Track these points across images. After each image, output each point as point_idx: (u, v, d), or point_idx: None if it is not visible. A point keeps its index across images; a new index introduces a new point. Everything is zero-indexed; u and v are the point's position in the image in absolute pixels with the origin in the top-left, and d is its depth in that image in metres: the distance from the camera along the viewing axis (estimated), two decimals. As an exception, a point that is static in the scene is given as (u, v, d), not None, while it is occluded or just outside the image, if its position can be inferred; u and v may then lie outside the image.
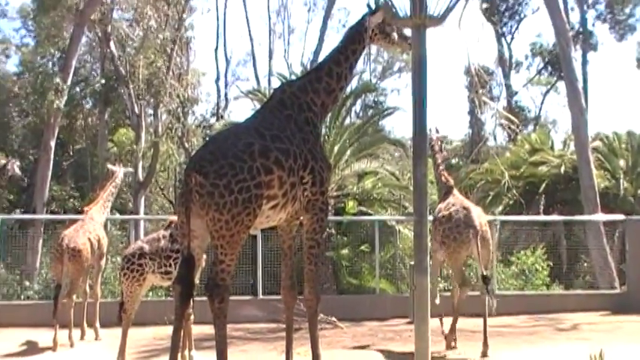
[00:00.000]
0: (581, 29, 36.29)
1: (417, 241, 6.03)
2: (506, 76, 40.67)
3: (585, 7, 36.56)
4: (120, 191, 17.23)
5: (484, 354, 10.27)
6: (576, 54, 30.42)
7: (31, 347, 11.69)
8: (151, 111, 30.73)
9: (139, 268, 9.33)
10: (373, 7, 7.89)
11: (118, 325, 9.62)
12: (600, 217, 18.49)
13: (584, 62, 35.50)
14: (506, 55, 40.83)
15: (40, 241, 19.46)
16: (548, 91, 42.05)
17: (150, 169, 28.59)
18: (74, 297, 11.85)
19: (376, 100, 38.66)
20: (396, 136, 31.81)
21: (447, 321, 11.05)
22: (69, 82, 23.05)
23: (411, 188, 6.59)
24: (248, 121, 7.97)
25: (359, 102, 30.39)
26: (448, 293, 12.33)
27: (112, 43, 28.47)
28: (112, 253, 16.44)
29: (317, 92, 7.82)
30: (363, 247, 17.09)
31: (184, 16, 30.50)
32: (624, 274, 17.29)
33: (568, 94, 20.87)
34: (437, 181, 11.93)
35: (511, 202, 23.53)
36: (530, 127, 38.65)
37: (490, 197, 24.10)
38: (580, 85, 22.35)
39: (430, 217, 9.52)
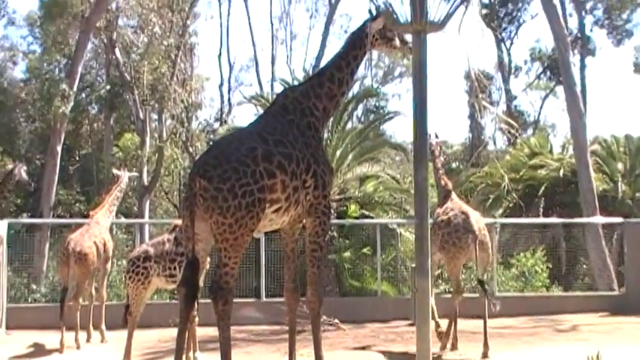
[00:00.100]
0: (579, 34, 36.25)
1: (418, 243, 6.03)
2: (506, 80, 40.65)
3: (583, 13, 36.55)
4: (125, 195, 17.28)
5: (485, 355, 10.26)
6: (575, 59, 30.43)
7: (39, 349, 11.70)
8: (155, 116, 30.75)
9: (144, 271, 9.34)
10: (374, 13, 7.90)
11: (124, 328, 9.64)
12: (599, 219, 18.46)
13: (583, 67, 35.48)
14: (506, 60, 40.83)
15: (47, 244, 19.47)
16: (547, 96, 42.06)
17: (154, 174, 28.62)
18: (80, 300, 11.86)
19: (377, 104, 38.59)
20: (397, 140, 31.78)
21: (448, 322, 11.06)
22: (75, 88, 23.06)
23: (412, 192, 6.59)
24: (251, 126, 7.98)
25: (360, 107, 30.32)
26: (449, 295, 12.32)
27: (117, 50, 28.54)
28: (117, 257, 16.46)
29: (319, 97, 7.82)
30: (364, 250, 17.09)
31: (188, 22, 30.54)
32: (623, 276, 17.26)
33: (567, 98, 20.85)
34: (437, 184, 11.93)
35: (511, 205, 23.49)
36: (530, 131, 38.60)
37: (490, 200, 24.07)
38: (578, 89, 22.33)
39: (430, 221, 9.52)
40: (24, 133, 33.22)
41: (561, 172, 23.53)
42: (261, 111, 17.99)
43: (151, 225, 24.05)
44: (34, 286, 17.00)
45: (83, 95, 31.70)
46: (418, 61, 5.98)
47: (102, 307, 12.49)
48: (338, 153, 18.70)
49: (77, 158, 34.37)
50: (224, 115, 36.86)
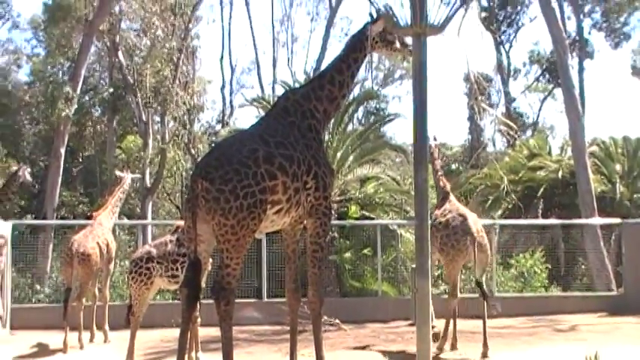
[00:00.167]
0: (577, 37, 36.25)
1: (419, 244, 6.02)
2: (505, 83, 40.63)
3: (582, 16, 36.52)
4: (128, 197, 17.26)
5: (484, 355, 10.25)
6: (573, 61, 30.36)
7: (42, 349, 11.69)
8: (158, 118, 30.78)
9: (146, 271, 9.33)
10: (374, 16, 7.89)
11: (127, 328, 9.63)
12: (597, 220, 18.45)
13: (581, 69, 35.45)
14: (505, 62, 40.82)
15: (51, 245, 19.47)
16: (545, 98, 42.04)
17: (157, 175, 28.62)
18: (84, 300, 11.86)
19: (378, 107, 38.60)
20: (398, 142, 31.79)
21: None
22: (78, 90, 23.11)
23: (412, 193, 6.59)
24: (253, 128, 7.98)
25: (361, 109, 30.35)
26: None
27: (120, 53, 28.55)
28: (120, 257, 16.45)
29: (320, 100, 7.82)
30: (365, 251, 17.08)
31: (190, 26, 30.56)
32: (621, 277, 17.25)
33: (565, 100, 20.85)
34: (436, 186, 11.93)
35: (510, 206, 23.49)
36: (529, 133, 38.60)
37: (489, 201, 24.08)
38: (577, 91, 22.32)
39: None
40: (28, 136, 33.27)
41: (560, 174, 23.52)
42: (262, 113, 18.03)
43: (153, 226, 24.10)
44: (38, 287, 17.01)
45: (86, 98, 31.76)
46: (418, 64, 5.98)
47: (105, 308, 12.49)
48: (339, 155, 18.70)
49: (80, 160, 34.39)
50: (226, 117, 36.90)
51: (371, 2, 7.04)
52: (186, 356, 7.53)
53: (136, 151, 29.56)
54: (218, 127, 35.27)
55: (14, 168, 21.62)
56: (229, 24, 37.83)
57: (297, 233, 7.93)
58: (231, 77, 38.44)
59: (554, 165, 24.37)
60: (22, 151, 32.32)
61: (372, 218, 17.95)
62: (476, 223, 10.72)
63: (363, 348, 11.63)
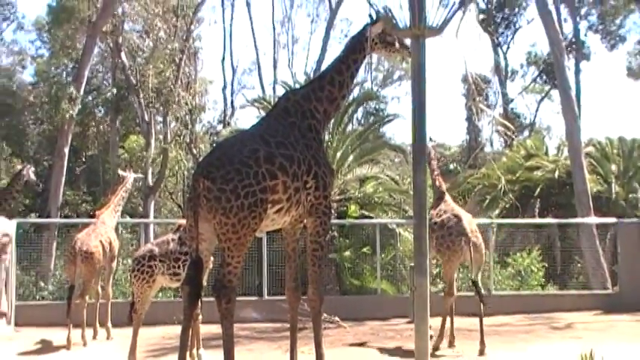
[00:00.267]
0: (574, 39, 36.27)
1: (417, 243, 6.02)
2: (503, 84, 40.64)
3: (578, 19, 36.54)
4: (130, 196, 17.26)
5: (481, 352, 10.27)
6: (569, 63, 30.44)
7: (46, 346, 11.70)
8: (160, 118, 30.78)
9: (148, 269, 9.32)
10: (374, 17, 7.88)
11: (129, 325, 9.62)
12: (593, 220, 18.46)
13: (577, 71, 35.49)
14: (503, 63, 40.82)
15: (54, 243, 19.48)
16: (542, 99, 42.03)
17: (159, 175, 28.61)
18: (87, 298, 11.85)
19: (377, 107, 38.59)
20: (397, 142, 31.76)
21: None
22: (82, 91, 23.10)
23: (411, 192, 6.59)
24: (253, 129, 7.97)
25: (360, 109, 30.35)
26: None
27: (122, 54, 28.54)
28: (122, 256, 16.46)
29: (320, 100, 7.81)
30: (364, 250, 17.08)
31: (192, 27, 30.56)
32: (616, 275, 17.25)
33: (562, 101, 20.85)
34: (432, 186, 11.93)
35: (507, 206, 23.48)
36: (526, 134, 38.59)
37: (487, 201, 24.07)
38: (573, 92, 22.32)
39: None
40: (32, 135, 33.28)
41: (556, 174, 23.52)
42: (263, 113, 18.02)
43: (155, 225, 24.08)
44: (42, 284, 17.02)
45: (90, 98, 31.74)
46: (417, 65, 5.98)
47: (108, 305, 12.49)
48: (338, 155, 18.69)
49: (84, 160, 34.40)
50: (227, 118, 36.90)
51: (370, 4, 7.05)
52: (187, 353, 7.52)
53: (139, 151, 29.53)
54: (219, 127, 35.28)
55: (19, 167, 21.66)
56: (230, 25, 37.89)
57: (298, 232, 7.92)
58: (233, 78, 38.48)
59: (551, 165, 24.36)
60: (27, 151, 32.33)
61: (372, 217, 17.94)
62: (470, 223, 10.76)
63: (361, 345, 11.64)
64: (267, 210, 6.89)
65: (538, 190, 23.44)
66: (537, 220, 21.12)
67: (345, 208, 17.98)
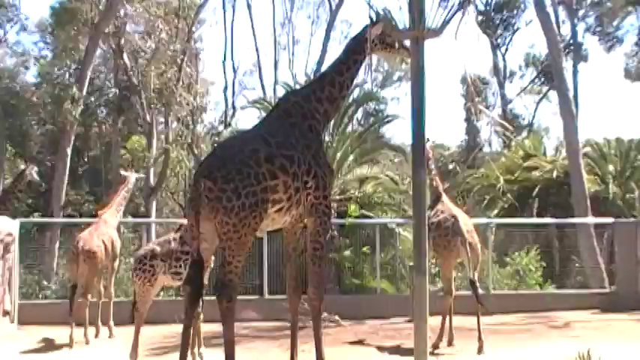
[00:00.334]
0: (572, 41, 36.25)
1: (416, 243, 6.02)
2: (501, 85, 40.61)
3: (576, 20, 36.48)
4: (132, 196, 17.24)
5: (480, 349, 10.30)
6: (567, 64, 30.36)
7: (49, 344, 11.69)
8: (161, 119, 30.75)
9: (150, 269, 9.32)
10: (374, 19, 7.87)
11: (131, 324, 9.62)
12: (590, 219, 18.45)
13: (575, 72, 35.43)
14: (501, 65, 40.77)
15: (57, 243, 19.47)
16: (540, 100, 41.96)
17: (161, 175, 28.59)
18: (89, 296, 11.84)
19: (377, 108, 38.58)
20: (396, 142, 31.74)
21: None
22: (84, 92, 23.09)
23: (410, 192, 6.59)
24: (254, 129, 7.99)
25: (360, 110, 30.25)
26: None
27: (124, 55, 28.53)
28: (124, 255, 16.44)
29: (320, 101, 7.81)
30: (364, 249, 17.04)
31: (194, 29, 30.53)
32: (613, 274, 17.25)
33: (560, 102, 20.83)
34: (430, 186, 11.93)
35: (506, 206, 23.50)
36: (524, 134, 38.51)
37: (486, 201, 24.09)
38: (571, 93, 22.33)
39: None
40: (35, 136, 33.25)
41: (554, 174, 23.51)
42: (263, 114, 18.01)
43: (157, 224, 24.05)
44: (45, 283, 16.99)
45: (92, 99, 31.73)
46: (416, 66, 5.98)
47: (110, 304, 12.49)
48: (338, 155, 18.68)
49: (86, 160, 34.39)
50: (228, 118, 36.77)
51: (370, 6, 7.05)
52: (188, 352, 7.52)
53: (141, 151, 29.50)
54: (220, 127, 35.17)
55: (22, 167, 21.66)
56: (232, 27, 37.70)
57: (298, 232, 7.92)
58: (234, 79, 38.33)
59: (549, 165, 24.36)
60: (30, 151, 32.29)
61: (371, 217, 17.93)
62: (467, 224, 10.82)
63: (359, 342, 11.65)
64: (268, 210, 6.90)
65: (536, 190, 23.45)
66: (536, 220, 21.11)
67: (345, 208, 17.93)
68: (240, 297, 7.27)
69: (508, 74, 41.63)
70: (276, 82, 36.32)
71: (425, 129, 5.98)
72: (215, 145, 24.98)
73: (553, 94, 36.25)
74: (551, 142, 36.46)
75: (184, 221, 9.19)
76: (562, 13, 34.99)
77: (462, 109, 42.67)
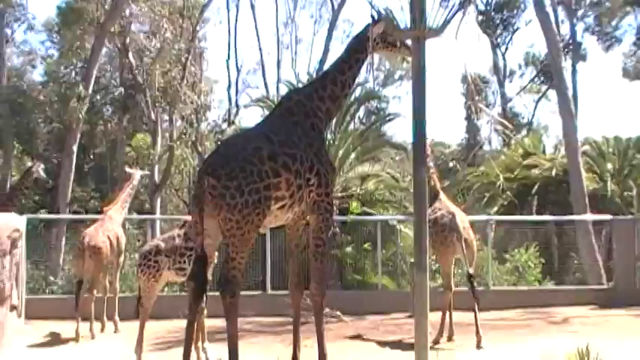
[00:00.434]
0: (571, 40, 36.19)
1: (417, 239, 6.01)
2: (501, 84, 40.58)
3: (575, 20, 36.44)
4: (137, 192, 17.23)
5: (478, 345, 10.35)
6: (566, 63, 30.28)
7: (55, 338, 11.72)
8: (166, 117, 30.76)
9: (155, 264, 9.32)
10: (375, 18, 7.85)
11: (136, 319, 9.62)
12: (589, 217, 18.43)
13: (574, 71, 35.38)
14: (501, 64, 40.74)
15: (63, 239, 19.48)
16: (540, 99, 41.94)
17: (165, 172, 28.61)
18: (95, 292, 11.86)
19: (378, 106, 38.56)
20: (398, 140, 31.70)
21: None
22: (90, 90, 23.10)
23: (411, 190, 6.58)
24: (257, 127, 7.98)
25: (362, 109, 30.29)
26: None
27: (130, 54, 28.53)
28: (129, 251, 16.45)
29: (322, 99, 7.80)
30: (366, 246, 17.06)
31: (198, 28, 30.52)
32: (611, 271, 17.23)
33: (559, 101, 20.81)
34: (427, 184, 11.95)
35: (505, 203, 23.49)
36: (524, 132, 38.48)
37: (486, 198, 24.08)
38: (570, 92, 22.29)
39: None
40: (42, 134, 33.27)
41: (553, 172, 23.49)
42: (267, 112, 18.00)
43: (161, 221, 24.07)
44: (52, 279, 17.01)
45: (98, 97, 31.73)
46: (417, 66, 5.96)
47: (115, 299, 12.50)
48: (340, 153, 18.66)
49: (92, 157, 34.41)
50: (232, 117, 36.75)
51: (372, 5, 7.03)
52: (192, 346, 7.53)
53: (145, 149, 29.51)
54: (224, 125, 35.12)
55: (29, 164, 21.67)
56: (235, 26, 37.87)
57: (300, 228, 7.91)
58: (237, 77, 38.34)
59: (548, 163, 24.34)
60: (36, 149, 32.32)
61: (373, 214, 17.93)
62: (463, 220, 10.91)
63: (358, 337, 11.66)
64: (271, 207, 6.89)
65: (535, 187, 23.43)
66: (535, 217, 21.11)
67: (346, 205, 17.95)
68: (243, 292, 7.26)
69: (508, 73, 41.63)
70: (279, 81, 36.33)
71: (426, 127, 5.97)
72: (219, 142, 24.97)
73: (552, 93, 36.22)
74: (550, 141, 36.44)
75: (188, 218, 9.19)
76: (561, 13, 35.00)
77: (463, 108, 42.67)
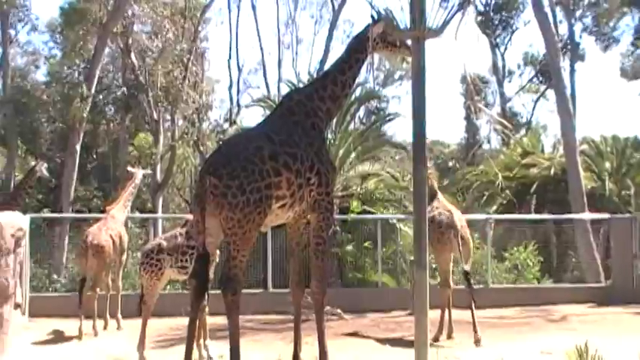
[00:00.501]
0: (569, 41, 36.17)
1: (417, 238, 6.01)
2: (500, 84, 40.53)
3: (573, 21, 36.41)
4: (139, 192, 17.29)
5: (476, 340, 10.43)
6: (565, 63, 30.28)
7: (59, 336, 11.72)
8: (168, 117, 30.73)
9: (157, 263, 9.33)
10: (376, 18, 7.84)
11: (138, 316, 9.63)
12: (587, 215, 18.43)
13: (572, 71, 35.35)
14: (500, 64, 40.66)
15: (66, 238, 19.50)
16: (538, 98, 41.87)
17: (167, 171, 28.61)
18: (98, 290, 11.87)
19: (378, 106, 38.55)
20: (397, 140, 31.70)
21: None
22: (93, 90, 23.10)
23: (411, 189, 6.58)
24: (258, 127, 7.98)
25: (362, 108, 30.26)
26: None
27: (132, 54, 28.52)
28: (132, 249, 16.45)
29: (322, 99, 7.79)
30: (366, 244, 17.06)
31: (199, 28, 30.51)
32: (609, 269, 17.24)
33: (557, 101, 20.81)
34: None
35: (504, 202, 23.51)
36: (522, 132, 38.46)
37: (485, 197, 24.09)
38: (568, 92, 22.31)
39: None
40: (45, 133, 33.26)
41: (552, 171, 23.51)
42: (268, 112, 17.99)
43: (163, 219, 24.10)
44: (55, 277, 17.04)
45: (100, 97, 31.70)
46: (417, 66, 5.96)
47: (118, 297, 12.51)
48: (341, 152, 18.64)
49: (95, 156, 34.39)
50: (233, 116, 36.73)
51: (372, 6, 7.03)
52: (194, 344, 7.53)
53: (147, 148, 29.51)
54: (226, 125, 35.10)
55: (32, 164, 21.67)
56: (237, 26, 37.66)
57: (301, 227, 7.90)
58: (239, 77, 38.29)
59: (547, 162, 24.35)
60: (40, 148, 32.32)
61: (373, 213, 17.92)
62: (460, 219, 11.05)
63: (356, 335, 11.67)
64: (272, 206, 6.89)
65: (534, 186, 23.45)
66: (533, 216, 21.14)
67: (347, 204, 17.94)
68: (244, 290, 7.27)
69: (507, 73, 41.55)
70: (280, 81, 36.30)
71: (425, 128, 5.97)
72: (220, 142, 24.99)
73: (551, 93, 36.16)
74: (548, 140, 36.41)
75: (190, 217, 9.19)
76: (559, 14, 34.95)
77: (462, 108, 42.62)
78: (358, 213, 17.58)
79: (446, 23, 5.88)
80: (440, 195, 11.63)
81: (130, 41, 28.40)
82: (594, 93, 60.80)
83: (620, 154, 24.62)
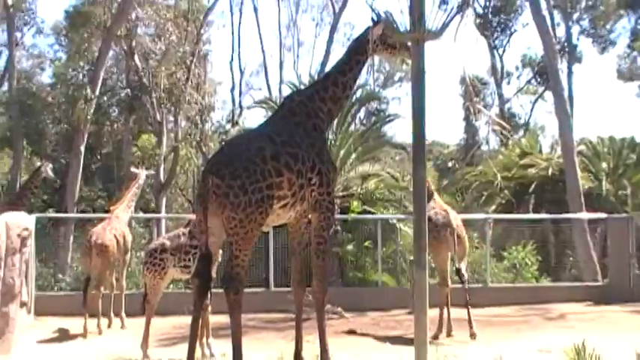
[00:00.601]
0: (566, 43, 36.15)
1: (416, 238, 6.00)
2: (499, 85, 40.51)
3: (570, 23, 36.42)
4: (143, 192, 17.28)
5: (472, 335, 10.60)
6: (562, 65, 30.31)
7: (63, 334, 11.73)
8: (171, 118, 30.74)
9: (160, 262, 9.33)
10: (376, 20, 7.83)
11: (142, 315, 9.63)
12: (584, 215, 18.42)
13: (570, 73, 35.39)
14: (499, 65, 40.65)
15: (71, 237, 19.47)
16: (536, 100, 41.85)
17: (170, 172, 28.61)
18: (102, 289, 11.87)
19: (378, 107, 38.52)
20: (397, 141, 31.68)
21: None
22: (97, 92, 23.08)
23: (411, 189, 6.58)
24: (260, 128, 7.98)
25: (363, 110, 30.26)
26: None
27: (136, 57, 28.54)
28: (136, 249, 16.44)
29: (323, 100, 7.78)
30: (366, 244, 17.04)
31: (202, 31, 30.52)
32: (606, 268, 17.22)
33: (555, 102, 20.80)
34: None
35: (503, 202, 23.50)
36: (521, 133, 38.44)
37: (484, 197, 24.08)
38: (566, 94, 22.31)
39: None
40: (50, 134, 33.27)
41: (550, 171, 23.49)
42: (269, 113, 17.99)
43: (167, 219, 24.07)
44: (60, 276, 17.02)
45: (105, 99, 31.70)
46: (417, 68, 5.95)
47: (122, 296, 12.51)
48: (341, 153, 18.63)
49: (99, 157, 34.39)
50: (235, 117, 36.75)
51: (372, 8, 7.02)
52: (197, 342, 7.52)
53: (151, 149, 29.51)
54: (228, 126, 35.14)
55: (37, 164, 21.66)
56: (239, 29, 37.69)
57: (302, 227, 7.89)
58: (241, 79, 38.31)
59: (545, 163, 24.33)
60: (45, 149, 32.31)
61: (373, 213, 17.91)
62: (456, 218, 11.21)
63: (355, 333, 11.66)
64: (273, 205, 6.89)
65: (532, 186, 23.43)
66: (531, 216, 21.11)
67: (347, 204, 17.93)
68: (246, 290, 7.26)
69: (505, 75, 41.53)
70: (281, 82, 36.30)
71: (425, 129, 5.97)
72: (223, 143, 25.01)
73: (548, 94, 36.10)
74: (546, 141, 36.45)
75: (193, 216, 9.19)
76: (557, 16, 34.92)
77: (461, 109, 42.57)
78: (358, 213, 17.57)
79: (445, 25, 5.87)
80: (436, 195, 11.80)
81: (134, 44, 28.43)
82: (591, 94, 60.82)
83: (616, 154, 24.60)
